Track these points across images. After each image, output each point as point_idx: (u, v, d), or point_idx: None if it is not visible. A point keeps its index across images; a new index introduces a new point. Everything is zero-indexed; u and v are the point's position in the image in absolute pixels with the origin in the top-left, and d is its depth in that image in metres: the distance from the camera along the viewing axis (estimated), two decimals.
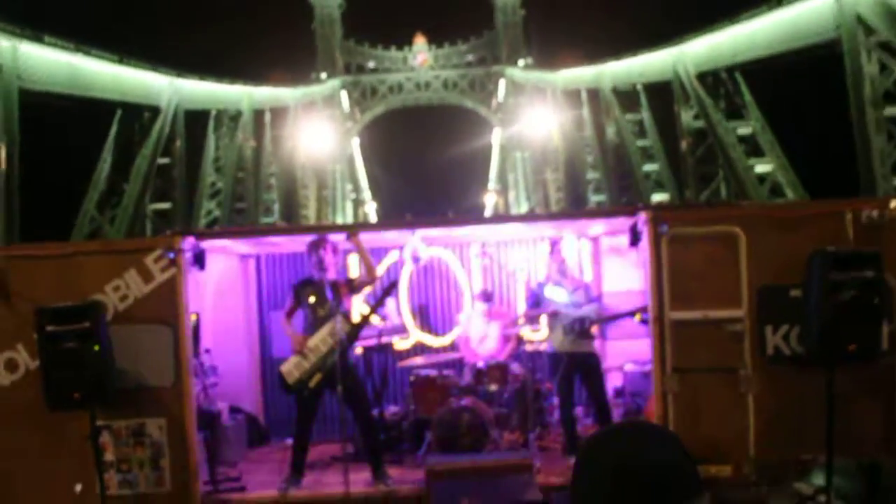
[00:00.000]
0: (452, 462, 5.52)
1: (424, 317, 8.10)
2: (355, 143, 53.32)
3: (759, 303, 5.42)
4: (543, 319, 7.03)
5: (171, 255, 5.60)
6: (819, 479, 4.94)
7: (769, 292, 5.41)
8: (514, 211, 47.45)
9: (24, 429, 5.42)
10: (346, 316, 6.06)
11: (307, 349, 5.95)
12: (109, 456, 5.49)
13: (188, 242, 5.74)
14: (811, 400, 5.05)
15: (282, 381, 6.03)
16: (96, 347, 5.04)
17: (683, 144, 28.66)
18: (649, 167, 31.14)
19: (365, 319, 6.18)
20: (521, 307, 7.67)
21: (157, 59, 28.69)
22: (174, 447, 5.53)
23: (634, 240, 5.75)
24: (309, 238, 6.26)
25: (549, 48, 45.65)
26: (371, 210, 55.39)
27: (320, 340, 5.94)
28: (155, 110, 28.16)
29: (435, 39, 54.02)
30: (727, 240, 5.48)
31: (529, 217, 19.23)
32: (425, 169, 57.97)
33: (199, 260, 5.88)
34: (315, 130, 39.53)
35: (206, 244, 6.06)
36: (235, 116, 34.28)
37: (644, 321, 6.02)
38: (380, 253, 7.74)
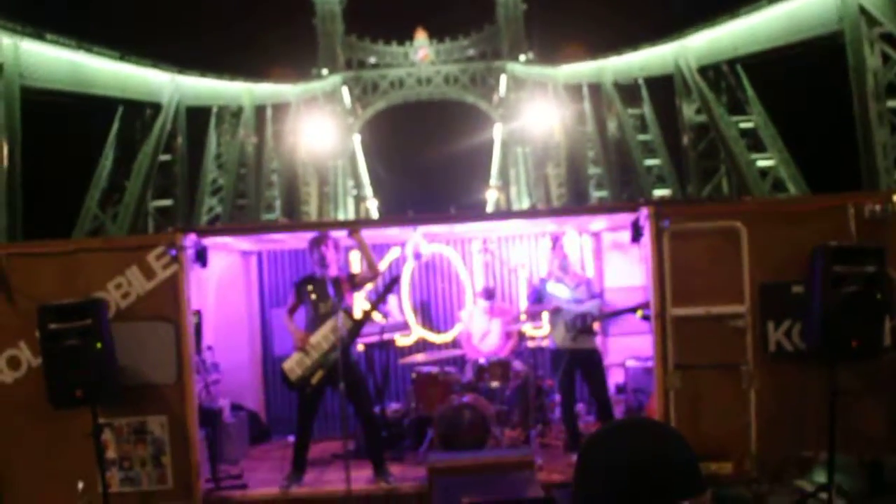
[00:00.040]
0: (454, 459, 5.51)
1: (426, 313, 8.10)
2: (357, 139, 53.25)
3: (762, 298, 5.41)
4: (545, 316, 7.02)
5: (173, 252, 5.60)
6: (820, 476, 4.94)
7: (771, 288, 5.39)
8: (515, 207, 47.38)
9: (26, 426, 5.43)
10: (348, 312, 6.06)
11: (309, 346, 5.95)
12: (111, 453, 5.50)
13: (190, 239, 5.75)
14: (813, 396, 5.05)
15: (284, 378, 6.03)
16: (98, 345, 5.05)
17: (685, 139, 28.61)
18: (651, 162, 31.10)
19: (367, 316, 6.18)
20: (523, 303, 7.66)
21: (158, 56, 28.69)
22: (176, 444, 5.54)
23: (636, 235, 5.74)
24: (310, 235, 6.26)
25: (550, 43, 45.55)
26: (373, 206, 55.37)
27: (322, 337, 5.94)
28: (156, 107, 28.18)
29: (436, 34, 53.93)
30: (729, 235, 5.46)
31: (531, 213, 19.21)
32: (427, 165, 58.00)
33: (201, 257, 5.89)
34: (316, 126, 39.47)
35: (208, 241, 6.06)
36: (237, 113, 34.28)
37: (646, 317, 6.01)
38: (381, 249, 7.74)
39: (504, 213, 28.32)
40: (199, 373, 6.28)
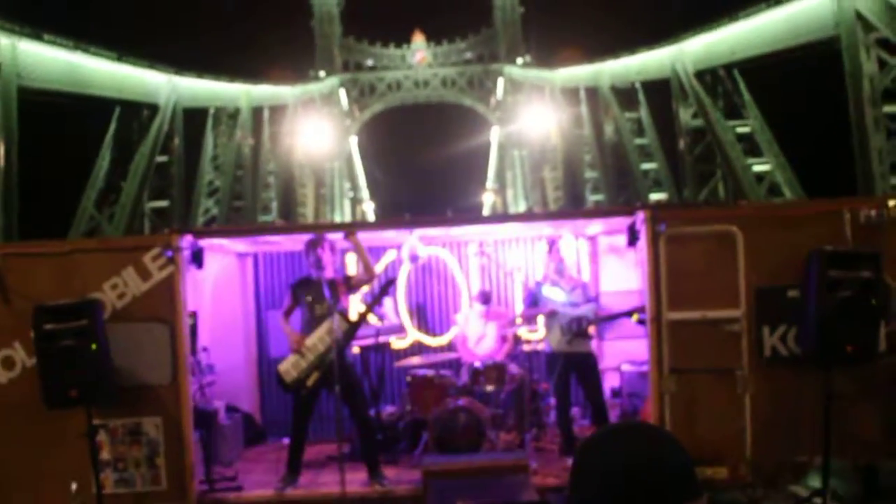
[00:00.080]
0: (449, 462, 5.51)
1: (422, 316, 8.09)
2: (353, 141, 53.23)
3: (757, 303, 5.42)
4: (541, 319, 7.02)
5: (169, 254, 5.59)
6: (815, 482, 4.95)
7: (766, 292, 5.40)
8: (512, 210, 47.41)
9: (20, 427, 5.41)
10: (344, 315, 6.06)
11: (305, 348, 5.94)
12: (106, 454, 5.48)
13: (186, 241, 5.74)
14: (808, 401, 5.06)
15: (279, 380, 6.02)
16: (93, 345, 5.04)
17: (682, 143, 28.68)
18: (647, 166, 31.16)
19: (362, 317, 6.18)
20: (519, 307, 7.66)
21: (155, 57, 28.67)
22: (170, 446, 5.53)
23: (632, 239, 5.74)
24: (307, 237, 6.25)
25: (547, 46, 45.58)
26: (369, 209, 55.33)
27: (318, 339, 5.93)
28: (153, 108, 28.15)
29: (433, 37, 53.94)
30: (725, 239, 5.47)
31: (527, 216, 19.22)
32: (423, 167, 57.98)
33: (197, 258, 5.87)
34: (313, 128, 39.47)
35: (204, 242, 6.05)
36: (234, 114, 34.25)
37: (641, 321, 6.01)
38: (378, 252, 7.73)
39: (500, 217, 28.35)
40: (195, 374, 6.26)
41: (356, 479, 5.93)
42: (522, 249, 8.02)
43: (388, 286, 6.35)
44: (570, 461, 6.15)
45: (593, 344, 6.86)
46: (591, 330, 6.68)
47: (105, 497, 5.21)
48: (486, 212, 51.45)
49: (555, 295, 6.64)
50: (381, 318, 7.73)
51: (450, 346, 7.91)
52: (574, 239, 7.77)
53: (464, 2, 58.45)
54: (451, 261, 8.05)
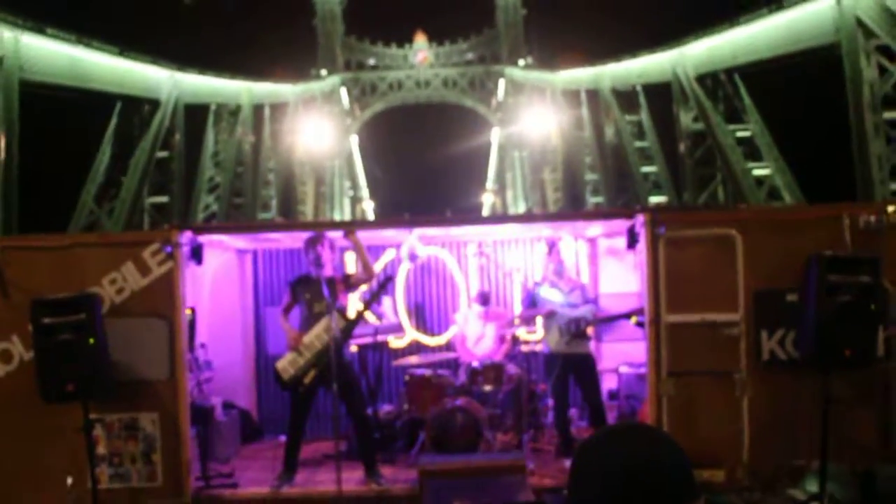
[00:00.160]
0: (445, 462, 5.50)
1: (420, 316, 8.09)
2: (354, 140, 53.20)
3: (756, 306, 5.42)
4: (539, 320, 7.02)
5: (169, 249, 5.59)
6: (813, 486, 4.95)
7: (765, 296, 5.41)
8: (511, 211, 47.41)
9: (16, 420, 5.40)
10: (342, 312, 6.05)
11: (302, 346, 5.94)
12: (101, 449, 5.47)
13: (186, 237, 5.73)
14: (806, 405, 5.06)
15: (277, 377, 6.02)
16: (91, 340, 5.03)
17: (682, 146, 28.71)
18: (647, 169, 31.17)
19: (360, 315, 6.18)
20: (518, 307, 7.67)
21: (157, 53, 28.66)
22: (167, 442, 5.52)
23: (632, 242, 5.74)
24: (306, 234, 6.25)
25: (549, 48, 45.59)
26: (369, 208, 55.32)
27: (315, 337, 5.93)
28: (155, 103, 28.15)
29: (435, 37, 53.92)
30: (724, 243, 5.47)
31: (527, 217, 19.23)
32: (423, 167, 57.95)
33: (197, 254, 5.87)
34: (314, 127, 39.44)
35: (204, 239, 6.05)
36: (235, 111, 34.25)
37: (640, 323, 6.02)
38: (377, 251, 7.73)
39: (500, 217, 28.37)
40: (192, 370, 6.26)
41: (353, 478, 5.93)
42: (521, 250, 8.03)
43: (385, 283, 6.34)
44: (567, 462, 6.16)
45: (592, 345, 6.86)
46: (590, 331, 6.68)
47: (100, 492, 5.20)
48: (485, 212, 51.44)
49: (553, 296, 6.65)
50: (379, 316, 7.73)
51: (448, 346, 7.91)
52: (573, 241, 7.77)
53: (466, 2, 58.49)
54: (450, 261, 8.05)
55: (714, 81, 26.87)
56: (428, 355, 7.52)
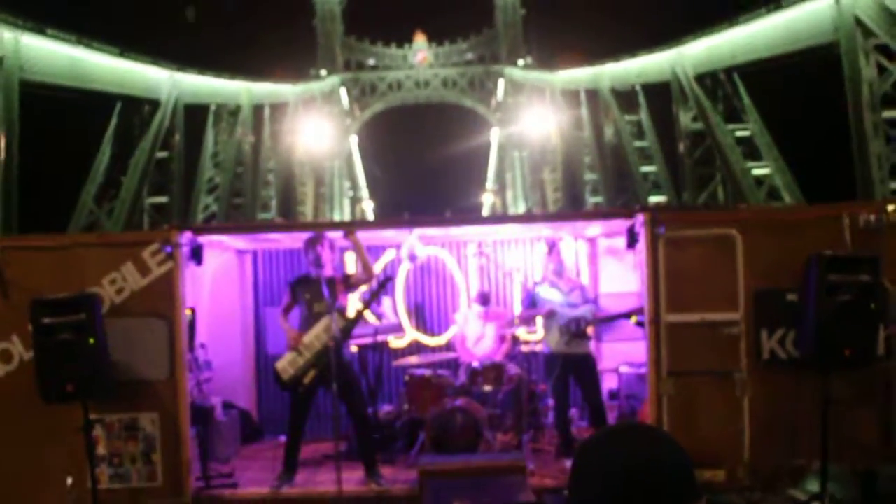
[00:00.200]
0: (445, 462, 5.50)
1: (420, 316, 8.09)
2: (354, 140, 53.21)
3: (756, 306, 5.42)
4: (539, 320, 7.02)
5: (169, 250, 5.59)
6: (813, 486, 4.94)
7: (765, 295, 5.40)
8: (511, 211, 47.41)
9: (16, 420, 5.39)
10: (342, 313, 6.05)
11: (302, 346, 5.93)
12: (101, 449, 5.47)
13: (185, 237, 5.73)
14: (806, 405, 5.05)
15: (277, 377, 6.01)
16: (91, 340, 5.03)
17: (681, 146, 28.71)
18: (647, 168, 31.18)
19: (360, 315, 6.17)
20: (518, 307, 7.66)
21: (157, 53, 28.67)
22: (167, 442, 5.52)
23: (631, 241, 5.74)
24: (306, 235, 6.25)
25: (548, 48, 45.59)
26: (368, 208, 55.32)
27: (315, 337, 5.93)
28: (155, 104, 28.16)
29: (435, 37, 53.91)
30: (724, 242, 5.47)
31: (527, 217, 19.23)
32: (423, 167, 57.93)
33: (197, 255, 5.87)
34: (314, 127, 39.45)
35: (204, 239, 6.04)
36: (235, 111, 34.26)
37: (640, 323, 6.01)
38: (377, 251, 7.73)
39: (500, 217, 28.38)
40: (192, 370, 6.25)
41: (352, 478, 5.93)
42: (521, 250, 8.02)
43: (385, 283, 6.34)
44: (567, 463, 6.16)
45: (592, 345, 6.86)
46: (590, 331, 6.68)
47: (100, 492, 5.19)
48: (485, 212, 51.44)
49: (552, 296, 6.64)
50: (379, 317, 7.73)
51: (448, 346, 7.90)
52: (573, 240, 7.77)
53: (465, 3, 58.45)
54: (450, 261, 8.05)
55: (713, 81, 26.88)
56: (428, 355, 7.52)
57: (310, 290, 6.04)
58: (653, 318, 5.51)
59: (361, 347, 7.17)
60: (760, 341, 5.41)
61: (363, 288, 6.62)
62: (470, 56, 54.03)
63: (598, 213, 14.47)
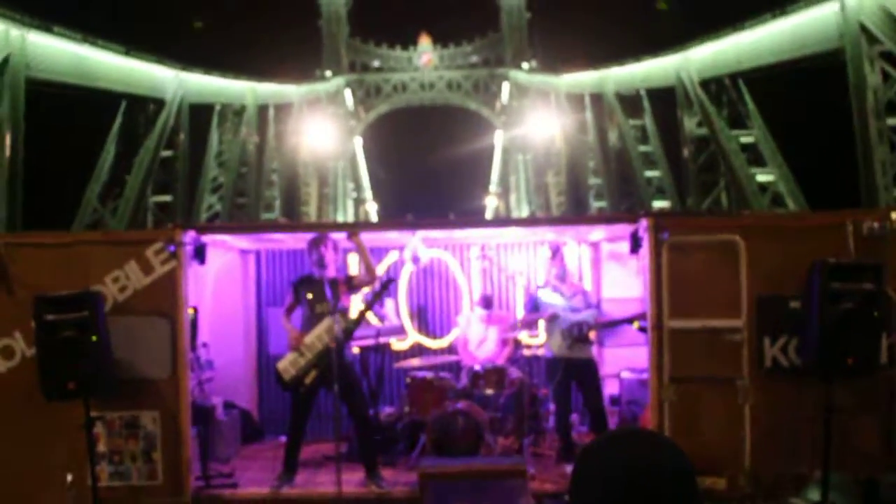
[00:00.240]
0: (446, 465, 5.50)
1: (422, 318, 8.08)
2: (358, 141, 53.28)
3: (758, 313, 5.40)
4: (541, 324, 7.01)
5: (172, 248, 5.59)
6: (815, 495, 4.93)
7: (768, 303, 5.39)
8: (514, 214, 47.41)
9: (17, 417, 5.40)
10: (344, 314, 6.05)
11: (304, 346, 5.93)
12: (102, 447, 5.47)
13: (189, 236, 5.73)
14: (808, 413, 5.04)
15: (278, 378, 6.01)
16: (94, 337, 5.03)
17: (685, 151, 28.70)
18: (651, 173, 31.17)
19: (361, 316, 6.17)
20: (520, 311, 7.66)
21: (163, 52, 28.74)
22: (167, 440, 5.52)
23: (635, 247, 5.73)
24: (309, 235, 6.25)
25: (553, 51, 45.61)
26: (372, 209, 55.35)
27: (316, 337, 5.93)
28: (160, 103, 28.23)
29: (440, 40, 53.99)
30: (728, 249, 5.46)
31: (530, 221, 19.20)
32: (427, 169, 57.93)
33: (200, 254, 5.87)
34: (318, 128, 39.50)
35: (207, 238, 6.05)
36: (239, 111, 34.32)
37: (642, 329, 6.00)
38: (380, 253, 7.73)
39: (503, 221, 28.36)
40: (194, 369, 6.26)
41: (353, 480, 5.92)
42: (524, 254, 8.02)
43: (387, 284, 6.33)
44: (568, 467, 6.14)
45: (594, 350, 6.85)
46: (592, 335, 6.67)
47: (100, 490, 5.19)
48: (488, 215, 51.44)
49: (555, 300, 6.64)
50: (381, 318, 7.73)
51: (450, 349, 7.90)
52: (576, 245, 7.76)
53: (471, 5, 58.49)
54: (452, 263, 8.05)
55: (718, 86, 26.86)
56: (430, 358, 7.51)
57: (312, 291, 6.04)
58: (655, 323, 5.50)
59: (363, 349, 7.17)
60: (763, 348, 5.39)
61: (366, 289, 6.62)
62: (475, 59, 54.08)
63: (601, 218, 14.48)
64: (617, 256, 7.62)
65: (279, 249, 8.04)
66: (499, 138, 53.93)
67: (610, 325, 6.92)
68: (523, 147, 47.61)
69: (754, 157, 25.90)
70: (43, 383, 5.03)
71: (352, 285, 6.24)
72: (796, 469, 5.15)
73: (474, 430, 6.30)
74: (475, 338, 7.43)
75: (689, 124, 28.09)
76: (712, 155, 27.46)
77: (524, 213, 46.11)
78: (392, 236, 7.47)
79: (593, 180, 36.18)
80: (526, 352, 7.29)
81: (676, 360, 5.43)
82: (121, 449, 5.53)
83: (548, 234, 7.65)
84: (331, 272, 6.07)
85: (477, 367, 6.90)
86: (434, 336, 8.07)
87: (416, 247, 7.13)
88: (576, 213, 35.77)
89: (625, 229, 6.06)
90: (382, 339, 7.29)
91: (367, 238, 6.42)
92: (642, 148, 31.54)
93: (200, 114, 31.67)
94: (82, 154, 26.15)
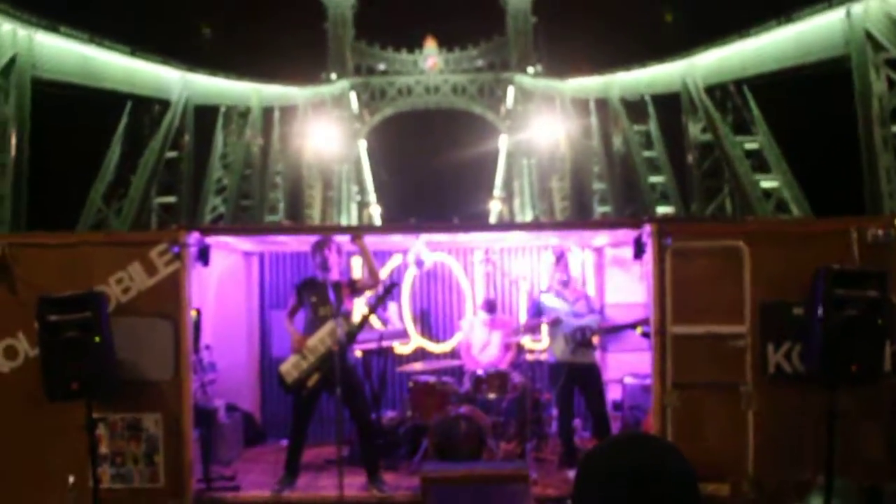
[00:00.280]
0: (448, 470, 5.49)
1: (426, 322, 8.08)
2: (362, 144, 53.34)
3: (762, 319, 5.39)
4: (545, 329, 7.00)
5: (176, 250, 5.59)
6: (818, 501, 4.91)
7: (772, 309, 5.38)
8: (518, 219, 47.40)
9: (19, 417, 5.40)
10: (347, 317, 6.05)
11: (306, 349, 5.93)
12: (104, 449, 5.46)
13: (193, 237, 5.74)
14: (812, 420, 5.02)
15: (280, 380, 6.01)
16: (97, 338, 5.03)
17: (690, 157, 28.72)
18: (655, 179, 31.16)
19: (365, 319, 6.17)
20: (524, 315, 7.65)
21: (169, 53, 28.83)
22: (169, 443, 5.51)
23: (638, 252, 5.73)
24: (313, 238, 6.26)
25: (558, 56, 45.70)
26: (376, 213, 55.40)
27: (319, 341, 5.93)
28: (165, 104, 28.32)
29: (446, 43, 54.06)
30: (731, 255, 5.45)
31: (534, 225, 19.22)
32: (431, 173, 57.97)
33: (204, 255, 5.87)
34: (323, 130, 39.59)
35: (211, 240, 6.05)
36: (244, 113, 34.41)
37: (645, 334, 5.99)
38: (383, 256, 7.73)
39: (507, 225, 28.38)
40: (196, 372, 6.26)
41: (354, 484, 5.91)
42: (528, 258, 8.01)
43: (391, 288, 6.33)
44: (570, 472, 6.13)
45: (597, 355, 6.83)
46: (595, 340, 6.66)
47: (101, 492, 5.18)
48: (492, 220, 51.44)
49: (558, 305, 6.63)
50: (384, 322, 7.72)
51: (453, 353, 7.89)
52: (580, 250, 7.76)
53: (476, 9, 58.52)
54: (456, 267, 8.04)
55: (723, 93, 26.88)
56: (432, 362, 7.51)
57: (316, 294, 6.04)
58: (658, 329, 5.48)
59: (366, 352, 7.17)
60: (766, 354, 5.38)
61: (369, 293, 6.62)
62: (480, 63, 54.15)
63: (605, 223, 14.46)
64: (620, 262, 7.61)
65: (283, 252, 8.04)
66: (503, 142, 53.95)
67: (613, 331, 6.91)
68: (528, 151, 47.63)
69: (759, 163, 25.89)
70: (46, 384, 5.03)
71: (355, 288, 6.24)
72: (799, 476, 5.13)
73: (477, 434, 6.29)
74: (478, 342, 7.42)
75: (694, 130, 28.10)
76: (716, 161, 27.46)
77: (528, 217, 46.09)
78: (396, 240, 7.48)
79: (597, 185, 36.19)
80: (529, 356, 7.28)
81: (679, 366, 5.42)
82: (123, 451, 5.53)
83: (551, 238, 7.65)
84: (334, 275, 6.07)
85: (480, 372, 6.89)
86: (437, 340, 8.06)
87: (420, 250, 7.13)
88: (580, 217, 35.74)
89: (628, 234, 6.05)
90: (385, 343, 7.29)
91: (371, 241, 6.42)
92: (647, 153, 31.56)
93: (205, 115, 31.77)
94: (87, 154, 26.24)
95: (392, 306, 7.81)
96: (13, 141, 19.64)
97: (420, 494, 5.21)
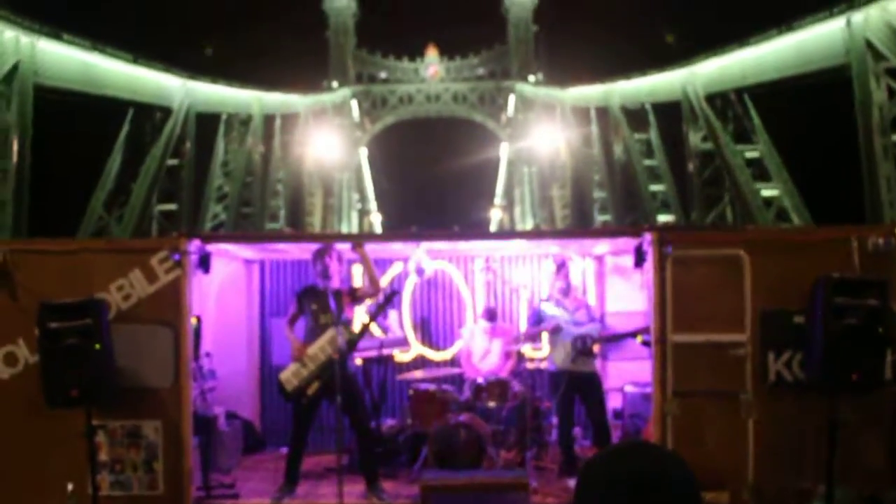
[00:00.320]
0: (448, 478, 5.48)
1: (426, 330, 8.07)
2: (363, 152, 53.44)
3: (762, 328, 5.38)
4: (545, 337, 7.00)
5: (177, 257, 5.59)
6: None
7: (772, 317, 5.38)
8: (519, 227, 47.44)
9: (19, 424, 5.40)
10: (348, 325, 6.05)
11: (307, 357, 5.93)
12: (103, 456, 5.45)
13: (194, 245, 5.74)
14: (812, 428, 5.02)
15: (280, 388, 6.01)
16: (97, 345, 5.03)
17: (690, 166, 28.76)
18: (656, 187, 31.21)
19: (365, 328, 6.17)
20: (524, 324, 7.65)
21: (170, 61, 28.93)
22: (169, 450, 5.50)
23: (639, 260, 5.73)
24: (314, 246, 6.26)
25: (559, 65, 45.86)
26: (376, 221, 55.44)
27: (319, 349, 5.93)
28: (166, 111, 28.40)
29: (447, 51, 54.23)
30: (732, 263, 5.45)
31: (535, 234, 19.24)
32: (432, 181, 58.07)
33: (204, 263, 5.87)
34: (324, 138, 39.67)
35: (212, 247, 6.05)
36: (246, 121, 34.50)
37: (646, 342, 5.99)
38: (384, 264, 7.73)
39: (507, 233, 28.39)
40: (196, 379, 6.25)
41: (354, 492, 5.90)
42: (528, 267, 8.01)
43: (391, 296, 6.33)
44: (570, 481, 6.12)
45: (597, 364, 6.83)
46: (596, 349, 6.65)
47: (100, 499, 5.17)
48: (493, 228, 51.48)
49: (558, 314, 6.63)
50: (385, 330, 7.72)
51: (453, 361, 7.88)
52: (581, 258, 7.76)
53: (477, 18, 58.76)
54: (456, 275, 8.05)
55: (723, 101, 26.96)
56: (433, 370, 7.50)
57: (316, 302, 6.04)
58: (659, 337, 5.48)
59: (366, 360, 7.17)
60: (767, 363, 5.37)
61: (369, 301, 6.63)
62: (481, 71, 54.30)
63: (605, 231, 14.49)
64: (621, 270, 7.61)
65: (283, 259, 8.05)
66: (504, 151, 54.03)
67: (613, 339, 6.91)
68: (528, 160, 47.70)
69: (759, 171, 25.93)
70: (46, 390, 5.02)
71: (355, 296, 6.25)
72: (800, 484, 5.12)
73: (476, 442, 6.28)
74: (478, 350, 7.42)
75: (695, 139, 28.16)
76: (717, 169, 27.51)
77: (528, 225, 46.13)
78: (396, 248, 7.48)
79: (598, 194, 36.23)
80: (529, 365, 7.27)
81: (680, 374, 5.41)
82: (122, 458, 5.52)
83: (552, 247, 7.65)
84: (335, 283, 6.08)
85: (480, 380, 6.89)
86: (437, 348, 8.06)
87: (421, 258, 7.14)
88: (580, 226, 35.78)
89: (629, 243, 6.06)
90: (385, 351, 7.29)
91: (372, 249, 6.42)
92: (647, 162, 31.61)
93: (207, 123, 31.86)
94: (88, 161, 26.30)
95: (392, 314, 7.81)
96: (15, 147, 19.70)
97: (420, 503, 5.20)
